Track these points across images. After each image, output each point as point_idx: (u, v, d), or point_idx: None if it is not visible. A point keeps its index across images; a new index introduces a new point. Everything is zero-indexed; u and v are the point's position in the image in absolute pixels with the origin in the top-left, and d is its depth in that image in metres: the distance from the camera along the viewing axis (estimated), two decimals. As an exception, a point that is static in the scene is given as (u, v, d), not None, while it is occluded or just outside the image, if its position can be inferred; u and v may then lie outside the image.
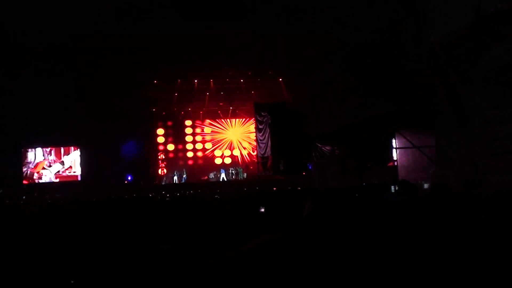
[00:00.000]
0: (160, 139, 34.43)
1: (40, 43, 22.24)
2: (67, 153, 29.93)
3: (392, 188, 11.26)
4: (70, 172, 29.76)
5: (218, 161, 34.59)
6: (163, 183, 31.28)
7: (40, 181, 29.19)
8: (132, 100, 29.13)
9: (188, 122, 34.92)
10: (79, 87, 26.58)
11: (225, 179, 31.43)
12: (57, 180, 29.47)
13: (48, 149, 29.74)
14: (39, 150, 29.66)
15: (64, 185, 28.65)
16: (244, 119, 34.81)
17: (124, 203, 12.98)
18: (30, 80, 24.89)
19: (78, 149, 29.97)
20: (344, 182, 18.02)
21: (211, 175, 32.30)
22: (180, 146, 34.64)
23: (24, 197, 22.98)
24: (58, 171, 29.63)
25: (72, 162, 29.85)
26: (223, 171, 32.18)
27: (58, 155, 29.82)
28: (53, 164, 29.58)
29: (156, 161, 33.54)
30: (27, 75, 24.47)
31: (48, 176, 29.40)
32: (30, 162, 29.35)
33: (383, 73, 18.88)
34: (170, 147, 34.53)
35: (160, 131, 34.48)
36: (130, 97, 28.69)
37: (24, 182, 28.91)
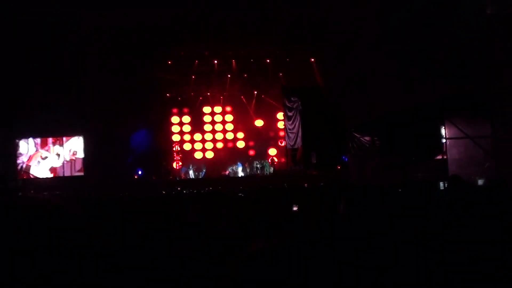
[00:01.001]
0: (175, 128, 34.57)
1: (36, 15, 22.40)
2: (59, 143, 29.95)
3: (441, 185, 11.20)
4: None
5: (240, 153, 34.49)
6: (178, 178, 31.39)
7: (35, 175, 29.34)
8: (143, 83, 29.20)
9: (206, 109, 34.98)
10: (81, 69, 26.65)
11: (242, 174, 31.49)
12: (52, 174, 29.59)
13: (38, 140, 29.80)
14: (31, 140, 29.66)
15: (65, 180, 28.72)
16: (270, 105, 34.62)
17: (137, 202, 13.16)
18: (24, 59, 25.02)
19: (64, 140, 29.93)
20: (385, 178, 17.97)
21: (230, 170, 32.37)
22: (197, 136, 34.74)
23: (20, 194, 23.17)
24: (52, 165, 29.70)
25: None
26: (240, 164, 32.21)
27: (46, 145, 29.85)
28: (47, 157, 29.59)
29: (170, 154, 33.67)
30: (21, 52, 24.60)
31: (44, 169, 29.53)
32: (22, 154, 29.42)
33: (432, 53, 18.71)
34: (186, 137, 34.64)
35: (175, 119, 34.64)
36: (140, 80, 28.76)
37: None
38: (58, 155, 29.75)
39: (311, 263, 1.81)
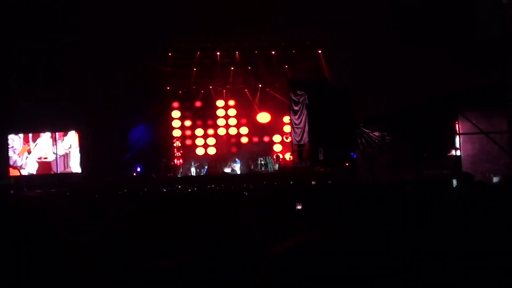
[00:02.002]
0: (176, 123, 34.60)
1: (30, 6, 22.46)
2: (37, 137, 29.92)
3: (454, 182, 11.22)
4: (40, 159, 29.69)
5: (244, 149, 34.46)
6: (179, 176, 31.40)
7: (24, 171, 29.34)
8: (142, 76, 29.23)
9: (209, 103, 34.94)
10: (77, 61, 26.65)
11: (239, 172, 31.52)
12: (36, 169, 29.50)
13: (21, 134, 29.69)
14: (21, 134, 29.63)
15: (58, 178, 28.56)
16: (276, 99, 34.53)
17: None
18: (18, 50, 25.06)
19: (49, 133, 29.85)
20: (395, 176, 18.00)
21: (230, 166, 32.36)
22: (199, 132, 34.77)
23: (12, 192, 23.14)
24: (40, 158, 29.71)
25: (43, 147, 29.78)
26: (239, 161, 32.22)
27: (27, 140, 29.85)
28: (32, 150, 29.56)
29: (171, 150, 33.71)
30: (13, 43, 24.61)
31: (31, 164, 29.61)
32: (13, 147, 29.46)
33: (445, 45, 18.75)
34: (188, 132, 34.68)
35: (176, 113, 34.64)
36: (139, 72, 28.80)
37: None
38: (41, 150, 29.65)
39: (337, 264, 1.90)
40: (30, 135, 29.70)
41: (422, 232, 3.85)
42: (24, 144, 29.60)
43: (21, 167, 29.35)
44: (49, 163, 29.84)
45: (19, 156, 29.38)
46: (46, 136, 29.84)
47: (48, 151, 29.76)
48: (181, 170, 32.48)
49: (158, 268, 2.44)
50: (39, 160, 29.67)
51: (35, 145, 29.61)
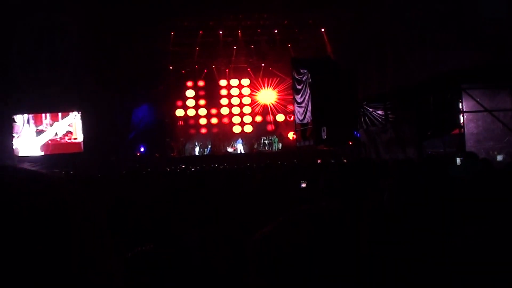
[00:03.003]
0: (179, 103, 34.51)
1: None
2: (56, 119, 29.72)
3: (458, 160, 11.16)
4: (70, 139, 29.65)
5: (247, 128, 34.49)
6: (183, 155, 31.44)
7: (21, 154, 29.02)
8: (145, 55, 29.10)
9: (211, 83, 34.89)
10: (79, 40, 26.49)
11: (242, 151, 31.54)
12: (42, 153, 29.25)
13: (31, 115, 29.48)
14: (26, 116, 29.34)
15: (62, 158, 28.33)
16: (278, 78, 34.49)
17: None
18: (21, 30, 24.93)
19: (79, 113, 29.61)
20: (399, 154, 17.93)
21: (236, 145, 32.42)
22: (202, 111, 34.71)
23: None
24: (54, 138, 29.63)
25: (72, 127, 29.67)
26: (240, 141, 32.24)
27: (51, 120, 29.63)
28: (43, 132, 29.44)
29: (174, 129, 33.68)
30: (17, 23, 24.48)
31: (34, 147, 29.44)
32: (20, 131, 29.23)
33: (450, 22, 18.59)
34: (191, 112, 34.61)
35: (178, 93, 34.54)
36: (142, 52, 28.67)
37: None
38: (56, 134, 29.56)
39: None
40: (60, 114, 29.65)
41: (424, 211, 3.79)
42: (35, 124, 29.46)
43: (16, 149, 29.11)
44: (79, 143, 29.71)
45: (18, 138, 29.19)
46: (75, 116, 29.75)
47: (78, 131, 29.63)
48: (184, 149, 32.51)
49: (142, 253, 2.38)
50: (69, 141, 29.56)
51: (52, 126, 29.50)
